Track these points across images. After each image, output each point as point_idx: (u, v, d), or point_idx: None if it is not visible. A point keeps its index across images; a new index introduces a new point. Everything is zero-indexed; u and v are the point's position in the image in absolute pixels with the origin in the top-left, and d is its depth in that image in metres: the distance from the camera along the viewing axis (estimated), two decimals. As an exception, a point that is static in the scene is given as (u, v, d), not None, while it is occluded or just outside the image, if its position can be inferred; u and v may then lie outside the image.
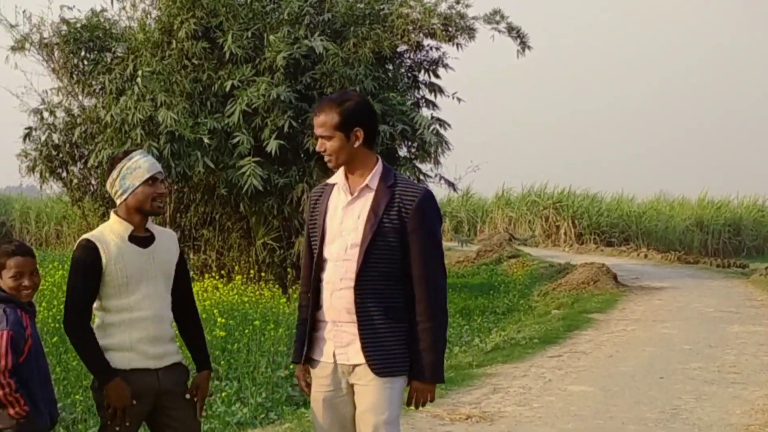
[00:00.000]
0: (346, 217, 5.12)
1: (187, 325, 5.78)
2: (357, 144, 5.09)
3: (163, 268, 5.51)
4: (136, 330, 5.36)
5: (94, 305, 5.47)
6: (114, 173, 5.42)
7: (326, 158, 5.14)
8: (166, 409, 5.50)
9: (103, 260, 5.30)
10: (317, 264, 5.19)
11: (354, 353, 5.07)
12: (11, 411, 5.01)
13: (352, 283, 5.02)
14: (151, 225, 5.57)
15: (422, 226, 5.07)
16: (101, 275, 5.32)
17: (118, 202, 5.45)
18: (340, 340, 5.10)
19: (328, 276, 5.13)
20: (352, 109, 5.10)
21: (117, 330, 5.38)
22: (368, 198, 5.10)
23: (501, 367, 12.83)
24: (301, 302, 5.43)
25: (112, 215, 5.50)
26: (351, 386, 5.15)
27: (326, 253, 5.15)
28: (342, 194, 5.19)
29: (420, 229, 5.05)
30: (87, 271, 5.33)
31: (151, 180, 5.37)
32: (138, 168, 5.37)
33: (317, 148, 5.17)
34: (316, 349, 5.22)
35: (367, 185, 5.11)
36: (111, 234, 5.41)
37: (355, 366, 5.08)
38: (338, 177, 5.24)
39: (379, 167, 5.16)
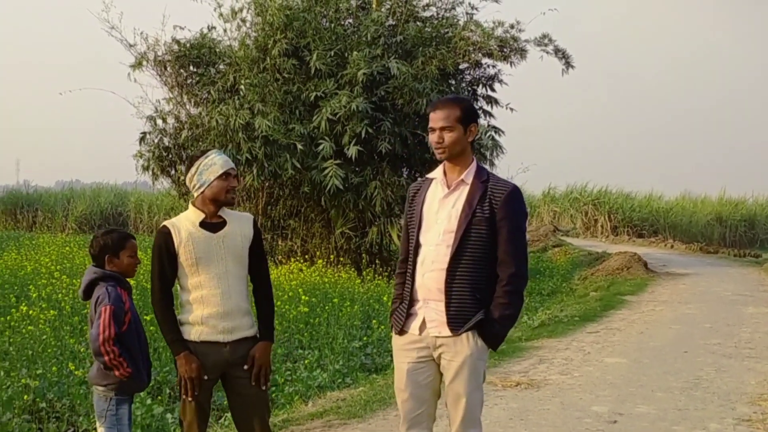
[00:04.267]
0: (441, 208, 5.07)
1: (257, 299, 5.68)
2: (470, 139, 5.06)
3: (233, 249, 5.41)
4: (206, 306, 5.34)
5: (178, 284, 5.50)
6: (192, 169, 5.44)
7: (440, 149, 5.04)
8: (235, 378, 5.46)
9: (176, 243, 5.33)
10: (414, 249, 5.15)
11: (443, 327, 4.99)
12: (116, 373, 5.18)
13: (443, 266, 4.96)
14: (226, 211, 5.50)
15: (509, 216, 4.98)
16: (176, 257, 5.35)
17: (195, 194, 5.44)
18: (429, 315, 5.04)
19: (421, 259, 5.08)
20: (470, 107, 5.12)
21: (191, 306, 5.38)
22: (463, 191, 5.03)
23: (546, 341, 12.82)
24: (397, 281, 5.38)
25: (190, 205, 5.50)
26: (435, 359, 5.09)
27: (421, 239, 5.11)
28: (440, 187, 5.13)
29: (507, 219, 4.96)
30: (162, 254, 5.36)
31: (225, 175, 5.37)
32: (213, 165, 5.38)
33: (434, 140, 5.06)
34: (408, 322, 5.16)
35: (462, 180, 5.05)
36: (185, 221, 5.42)
37: (442, 338, 5.01)
38: (437, 173, 5.19)
39: (473, 165, 5.10)
